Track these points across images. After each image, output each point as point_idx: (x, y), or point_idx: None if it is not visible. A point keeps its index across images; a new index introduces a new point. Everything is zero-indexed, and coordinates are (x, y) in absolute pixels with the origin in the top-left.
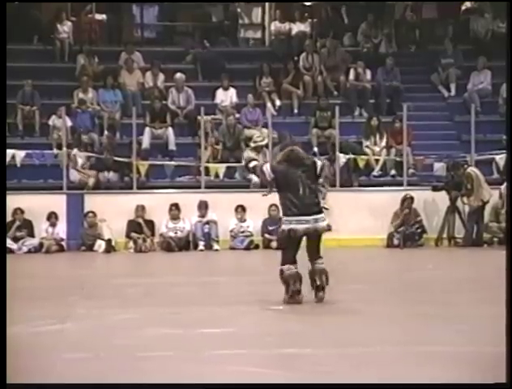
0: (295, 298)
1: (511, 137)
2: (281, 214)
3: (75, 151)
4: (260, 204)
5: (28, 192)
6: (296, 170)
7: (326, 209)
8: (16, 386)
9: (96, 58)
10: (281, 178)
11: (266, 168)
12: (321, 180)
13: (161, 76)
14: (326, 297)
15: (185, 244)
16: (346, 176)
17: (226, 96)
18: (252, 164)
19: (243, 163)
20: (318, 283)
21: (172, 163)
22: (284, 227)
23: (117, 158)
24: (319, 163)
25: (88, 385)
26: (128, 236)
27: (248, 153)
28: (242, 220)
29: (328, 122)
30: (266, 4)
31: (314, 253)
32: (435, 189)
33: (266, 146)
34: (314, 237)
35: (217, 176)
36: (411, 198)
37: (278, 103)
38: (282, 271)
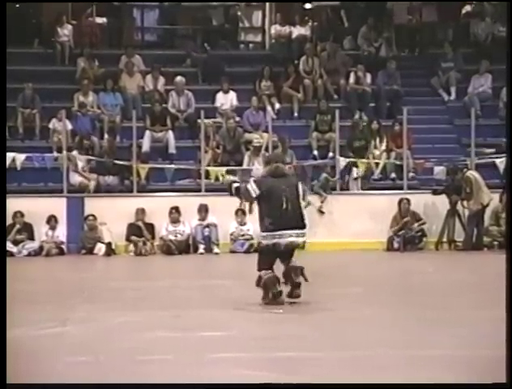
0: (277, 300)
1: (511, 140)
2: (263, 227)
3: (75, 152)
4: None
5: (28, 195)
6: (280, 185)
7: (322, 213)
8: (16, 387)
9: (97, 61)
10: (266, 192)
11: (251, 185)
12: (303, 203)
13: (161, 79)
14: (325, 300)
15: (186, 247)
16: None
17: (226, 100)
18: (235, 186)
19: (226, 187)
20: (296, 280)
21: (173, 166)
22: (268, 241)
23: (117, 161)
24: (301, 187)
25: (88, 385)
26: (128, 239)
27: (226, 178)
28: (242, 223)
29: (328, 126)
30: (267, 7)
31: (287, 259)
32: (435, 192)
33: (266, 149)
34: (291, 250)
35: (217, 179)
36: (407, 200)
37: (277, 106)
38: (260, 277)
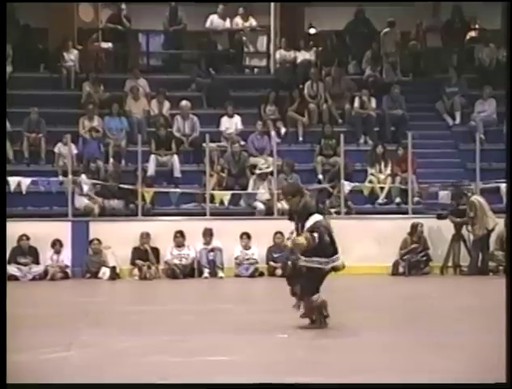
0: (326, 322)
1: (511, 163)
2: (313, 254)
3: (83, 176)
4: (265, 232)
5: (34, 219)
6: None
7: None
8: (16, 386)
9: (102, 86)
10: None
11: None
12: None
13: (167, 104)
14: (330, 324)
15: (190, 271)
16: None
17: (231, 124)
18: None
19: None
20: (325, 313)
21: (178, 190)
22: (323, 266)
23: (122, 185)
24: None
25: (89, 385)
26: (133, 263)
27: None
28: (247, 247)
29: (333, 150)
30: (272, 32)
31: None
32: (440, 217)
33: (271, 173)
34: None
35: (222, 203)
36: (422, 225)
37: (283, 130)
38: (312, 301)
